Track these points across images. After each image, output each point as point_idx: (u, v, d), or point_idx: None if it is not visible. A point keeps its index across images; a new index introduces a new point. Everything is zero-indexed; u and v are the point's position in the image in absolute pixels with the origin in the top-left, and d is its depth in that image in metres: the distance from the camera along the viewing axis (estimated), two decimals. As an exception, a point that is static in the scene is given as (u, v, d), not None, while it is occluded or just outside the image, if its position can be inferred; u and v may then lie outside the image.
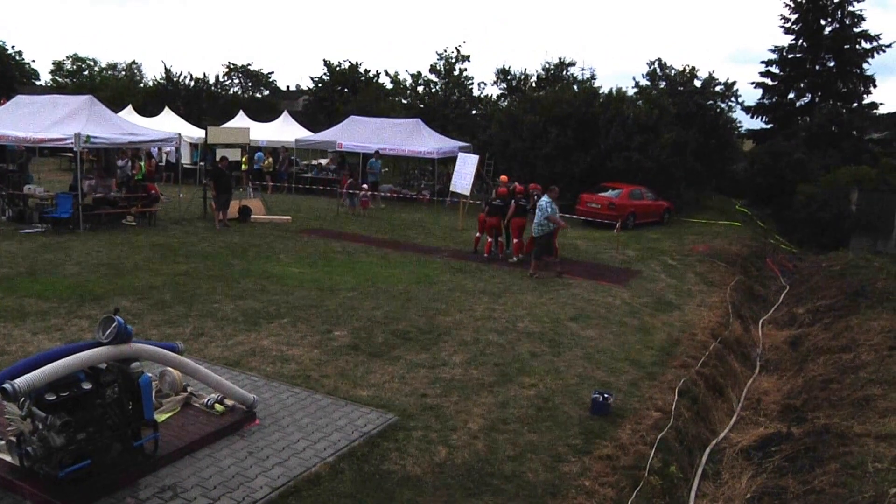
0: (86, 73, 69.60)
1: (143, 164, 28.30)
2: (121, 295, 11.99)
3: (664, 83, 33.59)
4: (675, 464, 7.59)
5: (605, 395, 8.37)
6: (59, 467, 5.60)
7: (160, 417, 6.89)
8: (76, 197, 18.38)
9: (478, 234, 18.19)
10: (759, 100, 39.80)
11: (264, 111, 46.50)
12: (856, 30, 37.07)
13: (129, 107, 36.29)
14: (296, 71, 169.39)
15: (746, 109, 39.30)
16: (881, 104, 38.47)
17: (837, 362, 11.44)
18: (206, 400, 7.44)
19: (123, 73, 69.77)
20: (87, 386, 5.88)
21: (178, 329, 10.29)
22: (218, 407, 7.33)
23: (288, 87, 72.26)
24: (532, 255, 15.94)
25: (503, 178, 18.57)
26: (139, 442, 6.24)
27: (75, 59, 70.86)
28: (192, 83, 53.36)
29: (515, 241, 17.32)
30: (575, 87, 32.71)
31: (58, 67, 70.38)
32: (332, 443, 7.04)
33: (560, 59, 39.63)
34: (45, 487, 5.70)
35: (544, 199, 15.65)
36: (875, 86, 37.33)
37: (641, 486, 6.83)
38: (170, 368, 7.35)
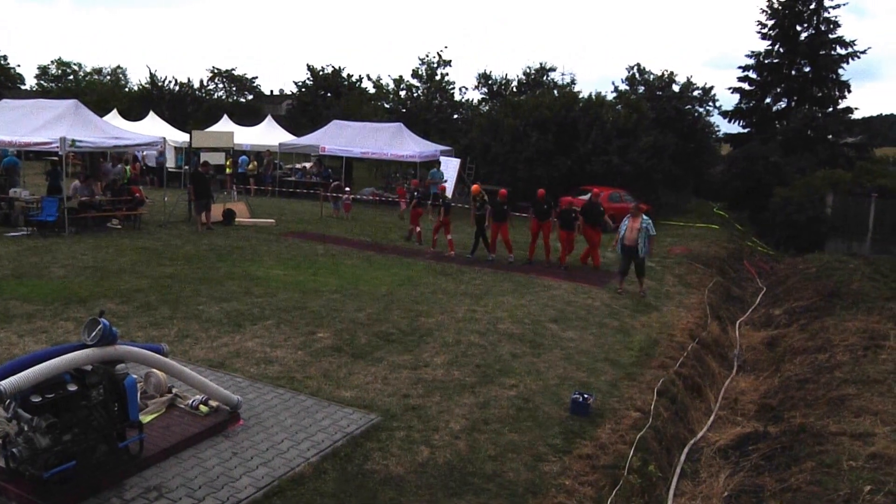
0: (70, 77, 69.00)
1: (128, 167, 28.23)
2: (106, 297, 11.99)
3: (643, 88, 33.97)
4: (653, 463, 7.68)
5: (585, 396, 8.48)
6: (45, 468, 5.61)
7: (145, 418, 6.94)
8: (62, 200, 18.33)
9: (412, 227, 19.20)
10: (737, 104, 40.20)
11: (248, 115, 46.40)
12: (831, 36, 37.51)
13: (115, 111, 36.16)
14: (279, 76, 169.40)
15: (724, 114, 39.72)
16: (856, 109, 39.10)
17: (813, 362, 11.60)
18: (190, 401, 7.49)
19: (108, 77, 69.32)
20: (72, 387, 5.92)
21: (162, 331, 10.32)
22: (202, 408, 7.38)
23: (272, 91, 72.10)
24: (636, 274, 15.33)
25: (475, 187, 18.90)
26: (124, 443, 6.27)
27: (60, 63, 70.20)
28: (177, 88, 53.32)
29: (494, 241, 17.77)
30: (555, 91, 32.94)
31: (43, 72, 69.71)
32: (315, 443, 7.11)
33: (541, 64, 39.99)
34: (31, 488, 5.72)
35: (646, 218, 14.90)
36: (850, 91, 37.83)
37: (621, 485, 6.92)
38: (155, 370, 7.39)
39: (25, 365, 5.73)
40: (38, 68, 71.67)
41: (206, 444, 6.94)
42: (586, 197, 23.89)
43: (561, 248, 17.49)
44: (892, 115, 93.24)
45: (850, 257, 21.75)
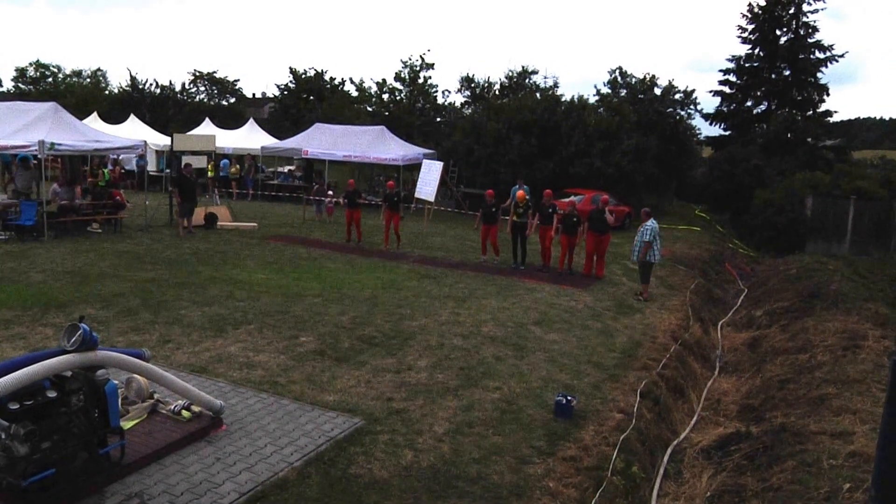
0: (49, 79, 68.17)
1: (106, 171, 28.01)
2: (86, 303, 11.87)
3: (625, 91, 34.14)
4: (637, 464, 7.71)
5: (569, 398, 8.50)
6: (24, 476, 5.54)
7: (126, 425, 6.88)
8: (41, 204, 18.14)
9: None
10: (718, 107, 40.46)
11: (230, 118, 46.11)
12: (810, 40, 37.90)
13: (94, 114, 35.73)
14: (262, 78, 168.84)
15: (705, 117, 39.96)
16: (835, 112, 39.52)
17: (794, 363, 11.69)
18: (172, 406, 7.44)
19: (88, 80, 68.54)
20: (52, 394, 5.85)
21: (144, 336, 10.24)
22: (185, 413, 7.34)
23: (254, 94, 71.66)
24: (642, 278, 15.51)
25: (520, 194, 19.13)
26: (105, 449, 6.21)
27: (38, 65, 69.35)
28: (158, 90, 52.98)
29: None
30: (538, 94, 33.03)
31: (20, 74, 68.80)
32: (299, 447, 7.09)
33: (523, 67, 40.06)
34: (10, 497, 5.64)
35: (653, 223, 15.06)
36: (829, 94, 38.21)
37: (604, 487, 6.94)
38: (136, 375, 7.33)
39: (3, 371, 5.66)
40: (15, 70, 70.48)
41: (189, 449, 6.90)
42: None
43: (561, 252, 17.39)
44: (869, 118, 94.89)
45: (829, 258, 21.94)
